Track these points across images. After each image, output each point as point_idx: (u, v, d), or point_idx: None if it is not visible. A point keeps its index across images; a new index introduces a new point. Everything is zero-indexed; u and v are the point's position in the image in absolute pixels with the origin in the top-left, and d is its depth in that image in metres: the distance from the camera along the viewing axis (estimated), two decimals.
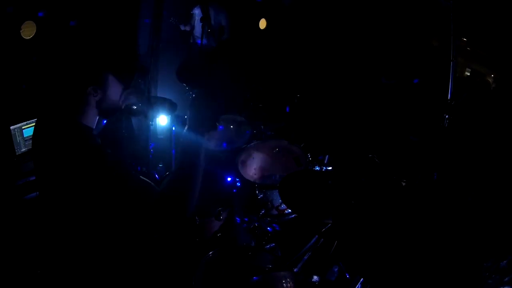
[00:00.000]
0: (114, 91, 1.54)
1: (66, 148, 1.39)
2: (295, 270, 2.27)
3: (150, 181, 1.46)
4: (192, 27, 4.98)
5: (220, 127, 3.35)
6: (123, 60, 1.60)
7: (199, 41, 4.90)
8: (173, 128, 3.54)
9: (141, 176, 1.53)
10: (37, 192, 2.62)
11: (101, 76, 1.47)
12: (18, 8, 2.99)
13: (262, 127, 3.50)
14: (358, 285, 1.95)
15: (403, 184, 2.67)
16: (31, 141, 2.89)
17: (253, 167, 2.95)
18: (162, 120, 3.57)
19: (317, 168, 2.83)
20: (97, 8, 3.59)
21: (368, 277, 1.58)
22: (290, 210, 2.61)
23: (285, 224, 2.67)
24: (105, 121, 1.79)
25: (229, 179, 2.89)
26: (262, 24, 5.16)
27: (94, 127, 1.54)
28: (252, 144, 3.04)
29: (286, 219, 2.63)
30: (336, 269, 2.28)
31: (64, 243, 1.48)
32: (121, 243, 1.46)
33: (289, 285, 1.80)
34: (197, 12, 4.86)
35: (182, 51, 5.31)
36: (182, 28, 5.03)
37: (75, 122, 1.47)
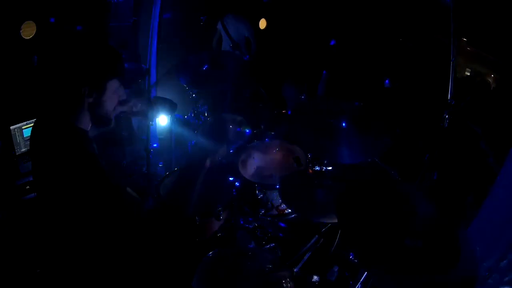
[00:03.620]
0: (110, 97, 1.52)
1: (59, 150, 1.40)
2: (295, 270, 2.27)
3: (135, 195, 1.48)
4: (217, 42, 4.84)
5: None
6: (122, 65, 1.58)
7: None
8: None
9: (128, 189, 1.55)
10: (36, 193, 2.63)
11: (97, 78, 1.46)
12: (18, 8, 2.99)
13: (262, 127, 3.50)
14: (358, 285, 1.95)
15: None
16: None
17: (253, 167, 2.95)
18: (162, 120, 3.56)
19: (317, 168, 2.82)
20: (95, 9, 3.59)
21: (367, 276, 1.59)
22: (290, 210, 2.61)
23: (284, 226, 2.67)
24: None
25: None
26: (262, 24, 5.14)
27: (88, 130, 1.54)
28: (252, 144, 3.04)
29: (286, 219, 2.63)
30: (336, 269, 2.29)
31: (63, 243, 1.48)
32: (120, 243, 1.46)
33: (289, 285, 1.80)
34: (219, 27, 4.59)
35: (181, 50, 5.31)
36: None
37: (69, 124, 1.47)
